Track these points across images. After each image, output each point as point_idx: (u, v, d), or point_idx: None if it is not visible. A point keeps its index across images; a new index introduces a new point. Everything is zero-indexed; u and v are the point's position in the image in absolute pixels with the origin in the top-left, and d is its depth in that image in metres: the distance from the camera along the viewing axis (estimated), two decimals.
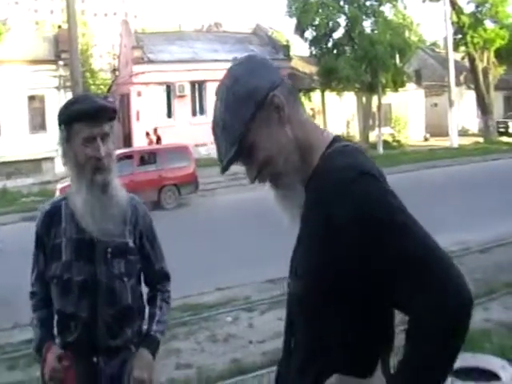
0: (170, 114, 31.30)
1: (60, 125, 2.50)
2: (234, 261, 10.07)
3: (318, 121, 34.30)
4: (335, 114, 33.72)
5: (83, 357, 2.56)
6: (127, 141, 30.40)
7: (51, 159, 25.33)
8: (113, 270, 2.56)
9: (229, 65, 1.74)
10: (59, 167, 25.06)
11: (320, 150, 1.69)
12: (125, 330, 2.62)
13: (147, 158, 19.41)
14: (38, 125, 27.40)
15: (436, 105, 40.08)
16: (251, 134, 1.65)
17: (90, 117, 2.44)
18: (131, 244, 2.61)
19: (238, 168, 1.87)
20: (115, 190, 2.56)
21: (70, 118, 2.46)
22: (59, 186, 17.30)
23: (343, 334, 1.61)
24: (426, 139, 36.73)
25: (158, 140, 25.31)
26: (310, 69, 34.43)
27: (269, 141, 1.67)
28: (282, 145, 1.67)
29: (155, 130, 25.97)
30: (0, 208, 13.58)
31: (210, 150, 30.53)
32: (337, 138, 1.74)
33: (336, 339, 1.62)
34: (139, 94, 30.35)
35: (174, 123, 30.20)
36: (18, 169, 25.53)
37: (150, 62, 30.27)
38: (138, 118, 30.19)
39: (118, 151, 21.24)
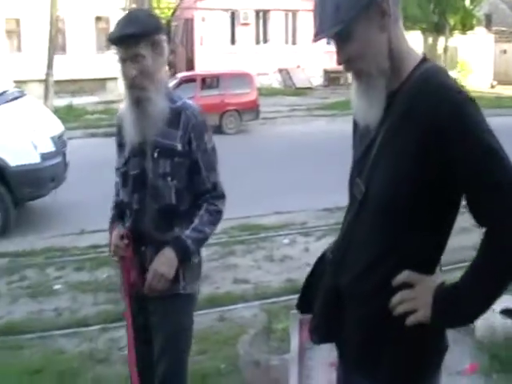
0: (233, 41, 31.15)
1: None
2: (292, 187, 10.21)
3: None
4: None
5: (135, 243, 2.80)
6: (190, 65, 30.51)
7: (115, 79, 25.68)
8: (158, 168, 2.75)
9: None
10: (122, 87, 25.40)
11: (411, 65, 1.78)
12: (172, 228, 2.78)
13: (210, 82, 19.57)
14: (104, 45, 27.71)
15: (505, 51, 38.48)
16: (355, 25, 1.72)
17: (117, 43, 2.67)
18: (179, 148, 2.75)
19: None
20: (151, 104, 2.72)
21: (109, 41, 2.72)
22: (122, 105, 17.60)
23: (417, 236, 1.73)
24: (492, 86, 35.41)
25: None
26: None
27: (366, 40, 1.74)
28: (377, 48, 1.75)
29: None
30: (67, 123, 13.99)
31: (271, 79, 30.47)
32: (426, 58, 1.82)
33: (410, 240, 1.73)
34: (203, 19, 30.24)
35: (237, 50, 30.06)
36: (83, 87, 26.06)
37: None
38: (201, 43, 30.16)
39: (181, 74, 21.52)
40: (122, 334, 2.75)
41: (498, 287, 1.67)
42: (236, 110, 18.82)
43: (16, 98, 9.47)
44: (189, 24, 31.94)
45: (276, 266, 6.75)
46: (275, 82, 30.80)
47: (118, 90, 24.74)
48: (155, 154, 2.75)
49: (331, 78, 31.41)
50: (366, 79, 1.78)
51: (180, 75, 20.95)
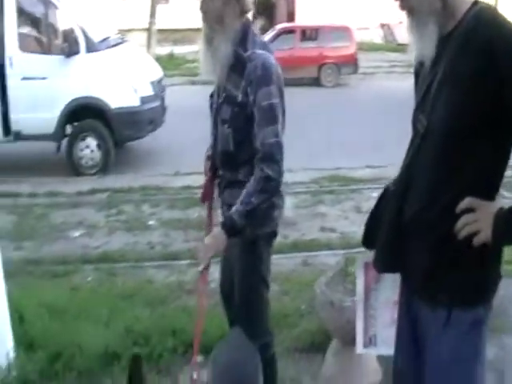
0: None
1: None
2: (385, 142, 10.10)
3: None
4: None
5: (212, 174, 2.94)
6: (290, 17, 30.29)
7: None
8: (221, 113, 2.77)
9: None
10: None
11: (464, 8, 1.88)
12: (236, 171, 2.79)
13: (309, 34, 19.41)
14: None
15: None
16: None
17: None
18: (240, 98, 2.69)
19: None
20: (216, 46, 2.71)
21: None
22: None
23: (478, 163, 1.84)
24: None
25: None
26: None
27: None
28: None
29: None
30: (167, 71, 14.43)
31: (373, 34, 29.78)
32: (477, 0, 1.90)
33: (470, 167, 1.84)
34: None
35: (338, 4, 29.51)
36: (185, 36, 26.41)
37: None
38: None
39: (280, 25, 21.43)
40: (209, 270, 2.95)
41: None
42: (334, 63, 18.61)
43: (118, 44, 9.82)
44: None
45: (363, 218, 6.75)
46: (377, 37, 30.12)
47: None
48: (221, 99, 2.77)
49: None
50: (417, 17, 1.90)
51: (279, 26, 20.90)
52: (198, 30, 3.05)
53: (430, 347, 2.00)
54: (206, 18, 2.74)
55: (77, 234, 6.33)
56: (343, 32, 19.15)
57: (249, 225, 2.66)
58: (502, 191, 6.30)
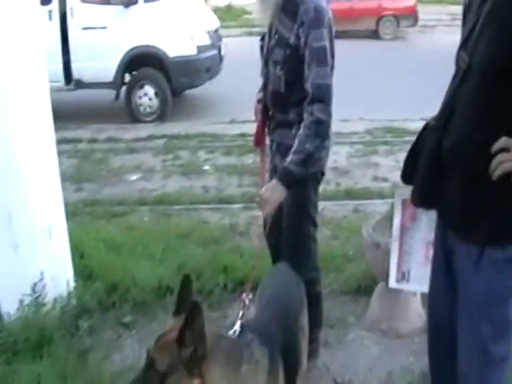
0: None
1: None
2: (441, 96, 9.95)
3: None
4: None
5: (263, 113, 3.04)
6: None
7: None
8: (273, 55, 2.82)
9: None
10: None
11: None
12: (286, 112, 2.87)
13: None
14: None
15: None
16: None
17: None
18: (292, 40, 2.73)
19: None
20: None
21: None
22: None
23: None
24: None
25: None
26: None
27: None
28: None
29: None
30: (225, 22, 14.45)
31: None
32: None
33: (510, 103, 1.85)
34: None
35: None
36: None
37: None
38: None
39: None
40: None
41: None
42: (393, 15, 18.22)
43: None
44: None
45: None
46: None
47: None
48: (273, 41, 2.83)
49: None
50: None
51: None
52: None
53: (465, 283, 2.06)
54: None
55: (134, 177, 6.55)
56: None
57: (305, 173, 2.70)
58: None
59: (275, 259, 3.15)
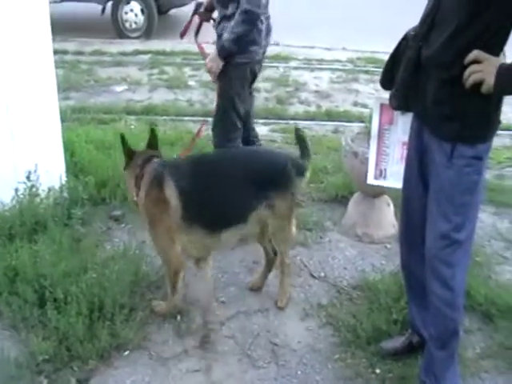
0: None
1: None
2: None
3: None
4: None
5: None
6: None
7: None
8: None
9: None
10: None
11: None
12: (227, 7, 3.48)
13: None
14: None
15: None
16: None
17: None
18: None
19: None
20: None
21: None
22: None
23: (490, 14, 2.01)
24: None
25: None
26: None
27: None
28: None
29: None
30: None
31: None
32: None
33: (484, 17, 2.01)
34: None
35: None
36: None
37: None
38: None
39: None
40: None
41: None
42: None
43: None
44: None
45: None
46: None
47: None
48: None
49: None
50: None
51: None
52: None
53: (436, 175, 2.30)
54: None
55: (121, 88, 6.65)
56: None
57: (236, 50, 3.43)
58: None
59: None
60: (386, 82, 2.46)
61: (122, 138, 3.05)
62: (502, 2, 2.00)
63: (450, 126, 2.18)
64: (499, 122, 2.24)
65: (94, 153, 4.37)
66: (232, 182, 2.90)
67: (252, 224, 2.99)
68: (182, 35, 3.87)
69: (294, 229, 3.13)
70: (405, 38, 2.35)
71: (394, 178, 2.77)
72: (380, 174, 2.81)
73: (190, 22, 3.85)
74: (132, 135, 4.94)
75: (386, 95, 2.55)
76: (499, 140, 5.68)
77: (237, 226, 2.97)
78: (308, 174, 3.06)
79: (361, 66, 8.07)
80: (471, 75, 2.02)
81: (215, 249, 3.17)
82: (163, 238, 2.91)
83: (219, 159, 3.16)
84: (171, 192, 2.84)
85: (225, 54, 3.43)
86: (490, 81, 1.99)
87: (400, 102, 2.41)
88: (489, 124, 2.20)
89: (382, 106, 2.70)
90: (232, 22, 3.39)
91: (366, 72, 7.70)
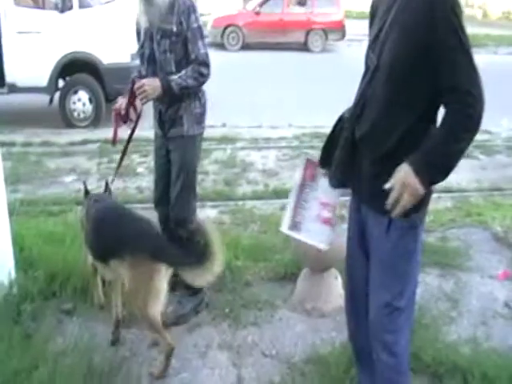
0: None
1: None
2: None
3: None
4: None
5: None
6: None
7: None
8: (160, 47, 3.60)
9: None
10: (214, 0, 25.71)
11: None
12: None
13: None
14: None
15: None
16: None
17: None
18: (175, 29, 3.56)
19: None
20: None
21: None
22: (213, 18, 18.42)
23: (415, 90, 2.20)
24: None
25: None
26: None
27: None
28: None
29: None
30: None
31: (362, 3, 29.84)
32: None
33: (409, 95, 2.21)
34: None
35: None
36: None
37: None
38: None
39: None
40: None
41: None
42: (322, 28, 18.91)
43: (110, 1, 9.98)
44: None
45: None
46: (365, 6, 30.18)
47: (211, 2, 25.01)
48: (158, 37, 3.60)
49: None
50: None
51: None
52: None
53: (375, 247, 2.45)
54: None
55: (70, 179, 6.71)
56: None
57: (176, 94, 3.56)
58: (477, 154, 6.85)
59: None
60: (324, 161, 2.62)
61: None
62: (416, 86, 2.20)
63: (385, 199, 2.30)
64: (431, 191, 2.38)
65: (44, 246, 4.39)
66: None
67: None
68: (114, 142, 4.17)
69: (152, 310, 3.20)
70: (340, 119, 2.53)
71: (309, 235, 2.83)
72: (294, 225, 2.85)
73: (115, 127, 4.03)
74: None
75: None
76: (441, 202, 5.93)
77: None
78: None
79: (306, 141, 8.36)
80: (397, 205, 2.19)
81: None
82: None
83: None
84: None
85: (167, 90, 3.53)
86: (419, 191, 2.16)
87: (339, 180, 2.56)
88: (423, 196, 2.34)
89: (307, 160, 2.82)
90: (184, 71, 3.56)
91: (312, 147, 7.95)
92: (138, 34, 3.80)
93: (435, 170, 2.16)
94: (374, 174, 2.36)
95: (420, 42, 2.14)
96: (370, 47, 2.41)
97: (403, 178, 2.15)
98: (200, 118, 3.78)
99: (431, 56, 2.14)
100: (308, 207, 2.82)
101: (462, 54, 2.12)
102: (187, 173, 3.79)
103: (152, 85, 3.51)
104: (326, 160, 2.59)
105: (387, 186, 2.18)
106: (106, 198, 3.94)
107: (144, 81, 3.55)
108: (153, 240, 3.27)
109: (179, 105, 3.69)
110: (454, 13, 2.13)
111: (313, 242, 2.79)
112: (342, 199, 2.79)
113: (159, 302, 3.19)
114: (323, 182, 2.71)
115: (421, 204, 2.34)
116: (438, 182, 2.21)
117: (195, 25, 3.59)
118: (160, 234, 3.57)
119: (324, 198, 2.76)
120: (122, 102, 3.80)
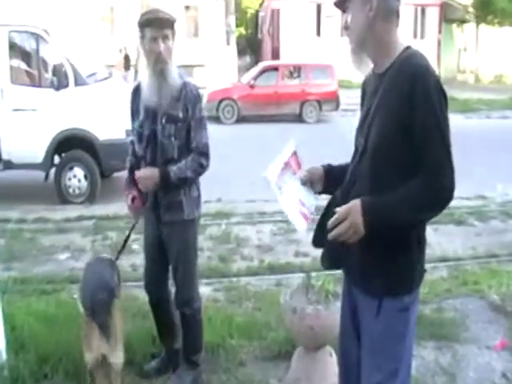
0: (318, 33, 31.57)
1: (138, 28, 3.52)
2: None
3: (470, 54, 32.98)
4: (489, 48, 32.36)
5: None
6: (275, 54, 31.09)
7: (202, 66, 26.64)
8: (165, 131, 3.57)
9: None
10: (209, 74, 26.24)
11: (398, 51, 2.34)
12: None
13: (292, 71, 20.05)
14: (192, 32, 28.91)
15: None
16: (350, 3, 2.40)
17: (154, 24, 3.44)
18: (181, 115, 3.55)
19: None
20: (170, 75, 3.51)
21: (142, 24, 3.48)
22: (208, 91, 18.73)
23: (398, 176, 2.27)
24: None
25: (126, 59, 24.22)
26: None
27: (355, 16, 2.39)
28: (360, 26, 2.37)
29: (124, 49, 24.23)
30: None
31: (353, 72, 30.50)
32: (409, 46, 2.38)
33: (393, 177, 2.28)
34: (289, 10, 30.85)
35: (322, 42, 30.39)
36: None
37: None
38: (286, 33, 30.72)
39: (264, 63, 22.11)
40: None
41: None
42: (316, 99, 19.25)
43: (105, 79, 10.29)
44: (275, 14, 32.52)
45: None
46: (357, 75, 30.88)
47: (205, 76, 25.53)
48: (163, 120, 3.57)
49: None
50: (351, 46, 2.45)
51: (263, 64, 21.59)
52: (184, 66, 3.71)
53: (366, 329, 2.45)
54: (163, 55, 3.49)
55: (64, 256, 6.69)
56: (325, 69, 19.79)
57: (175, 184, 3.56)
58: (472, 220, 6.92)
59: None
60: (317, 242, 2.62)
61: None
62: (397, 163, 2.27)
63: (375, 283, 2.35)
64: (424, 270, 2.42)
65: (36, 325, 4.35)
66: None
67: None
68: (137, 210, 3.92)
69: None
70: (333, 200, 2.55)
71: (288, 210, 2.67)
72: (279, 186, 2.70)
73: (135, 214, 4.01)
74: (75, 306, 4.98)
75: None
76: (437, 272, 5.92)
77: None
78: None
79: None
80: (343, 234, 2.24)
81: None
82: None
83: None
84: None
85: (165, 179, 3.52)
86: (360, 230, 2.23)
87: (330, 262, 2.57)
88: (413, 275, 2.38)
89: (294, 153, 2.84)
90: (185, 161, 3.56)
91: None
92: (133, 111, 3.74)
93: (381, 221, 2.24)
94: (363, 258, 2.38)
95: (403, 122, 2.21)
96: (358, 130, 2.48)
97: (350, 210, 2.23)
98: (198, 200, 3.79)
99: (412, 134, 2.21)
100: (284, 190, 2.67)
101: (438, 135, 2.20)
102: (189, 255, 3.80)
103: (149, 177, 3.53)
104: (319, 239, 2.58)
105: (336, 209, 2.26)
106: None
107: (140, 174, 3.57)
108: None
109: (179, 190, 3.67)
110: (436, 92, 2.21)
111: (291, 219, 2.65)
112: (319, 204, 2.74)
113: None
114: (303, 185, 2.71)
115: (412, 285, 2.36)
116: (377, 230, 2.26)
117: (200, 115, 3.61)
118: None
119: (302, 197, 2.71)
120: (131, 192, 3.78)
